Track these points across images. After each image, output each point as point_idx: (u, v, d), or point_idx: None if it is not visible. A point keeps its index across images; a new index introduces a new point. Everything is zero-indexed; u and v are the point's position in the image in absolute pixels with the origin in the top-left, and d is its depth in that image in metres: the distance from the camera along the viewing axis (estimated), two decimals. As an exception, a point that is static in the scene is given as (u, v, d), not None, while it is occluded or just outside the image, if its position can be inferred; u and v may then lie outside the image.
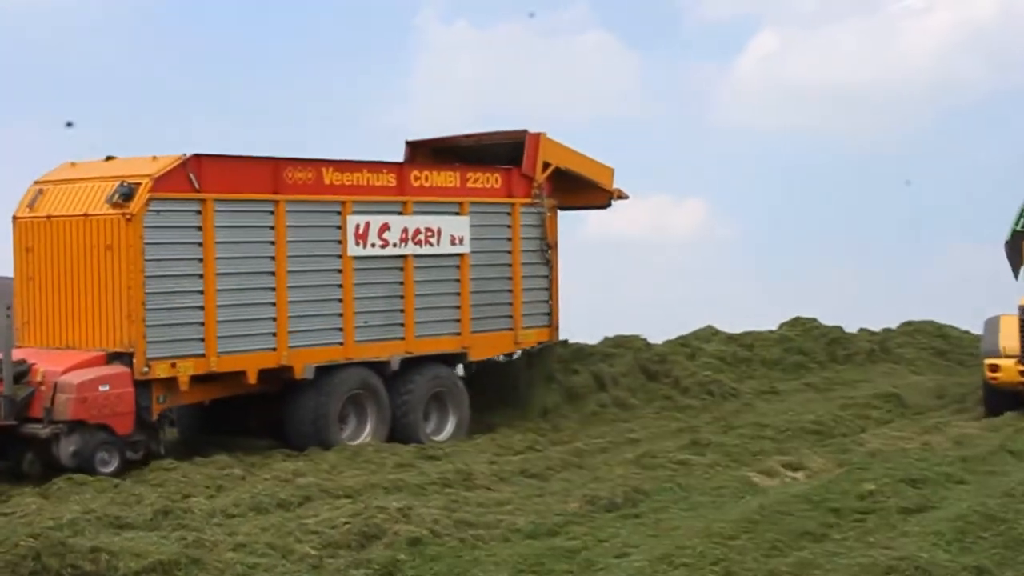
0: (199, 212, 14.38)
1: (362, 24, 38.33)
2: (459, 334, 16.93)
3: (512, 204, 17.57)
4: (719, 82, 39.10)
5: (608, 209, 19.30)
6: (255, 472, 13.50)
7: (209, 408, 15.57)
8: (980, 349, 18.21)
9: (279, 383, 15.27)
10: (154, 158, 14.41)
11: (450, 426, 16.66)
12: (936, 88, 36.63)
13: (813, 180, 37.06)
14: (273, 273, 15.01)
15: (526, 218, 17.76)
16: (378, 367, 15.94)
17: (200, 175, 14.36)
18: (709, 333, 22.09)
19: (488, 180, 17.34)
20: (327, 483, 12.49)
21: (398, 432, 15.89)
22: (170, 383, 14.21)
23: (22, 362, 13.84)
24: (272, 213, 15.00)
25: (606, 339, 19.77)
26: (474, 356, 17.16)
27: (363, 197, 15.89)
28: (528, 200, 17.74)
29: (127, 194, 13.97)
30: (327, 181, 15.57)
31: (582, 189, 18.62)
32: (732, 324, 22.43)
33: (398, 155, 18.43)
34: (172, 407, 14.65)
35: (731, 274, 34.50)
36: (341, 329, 15.66)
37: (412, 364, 16.28)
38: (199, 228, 14.38)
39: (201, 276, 14.39)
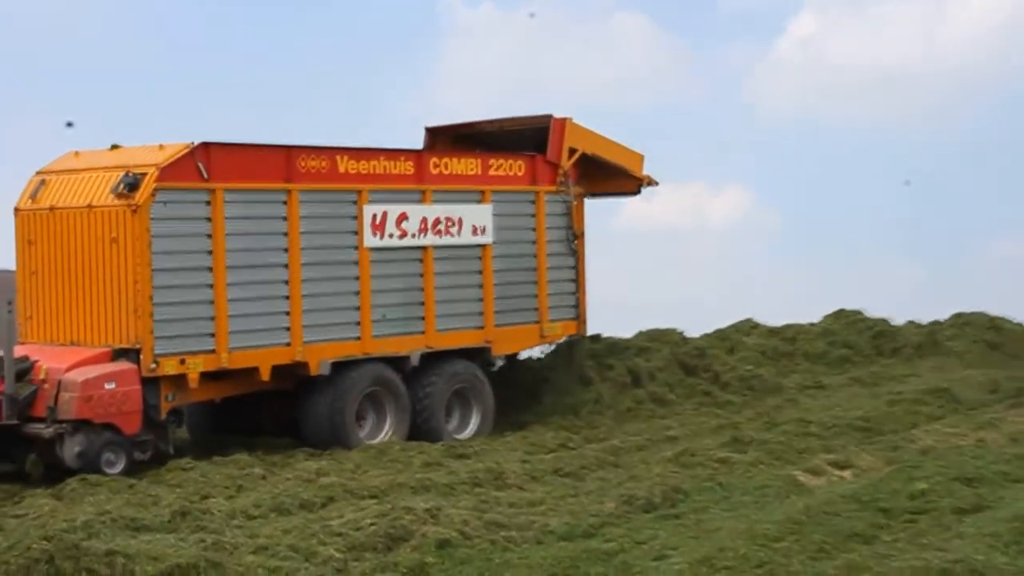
0: (208, 203, 14.52)
1: (384, 6, 38.41)
2: (482, 328, 17.06)
3: (536, 192, 17.68)
4: (758, 65, 39.04)
5: (642, 197, 19.44)
6: (276, 472, 13.64)
7: (220, 406, 15.74)
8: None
9: (293, 380, 15.42)
10: (161, 147, 14.55)
11: (473, 424, 16.78)
12: (989, 72, 36.42)
13: (856, 166, 36.96)
14: (286, 265, 15.16)
15: (551, 206, 17.87)
16: (397, 363, 16.07)
17: (209, 164, 14.49)
18: (749, 326, 22.18)
19: (511, 167, 17.45)
20: (351, 483, 12.63)
21: (419, 430, 16.01)
22: (179, 380, 14.35)
23: (24, 359, 14.01)
24: (285, 203, 15.13)
25: (641, 333, 19.79)
26: (498, 351, 17.32)
27: (380, 186, 16.01)
28: (553, 188, 17.85)
29: (133, 184, 14.11)
30: (342, 169, 15.69)
31: (610, 176, 18.70)
32: (772, 317, 22.56)
33: (419, 143, 18.57)
34: (181, 405, 14.76)
35: (771, 265, 34.54)
36: (358, 323, 15.78)
37: (433, 359, 16.40)
38: (208, 219, 14.52)
39: (210, 269, 14.54)
